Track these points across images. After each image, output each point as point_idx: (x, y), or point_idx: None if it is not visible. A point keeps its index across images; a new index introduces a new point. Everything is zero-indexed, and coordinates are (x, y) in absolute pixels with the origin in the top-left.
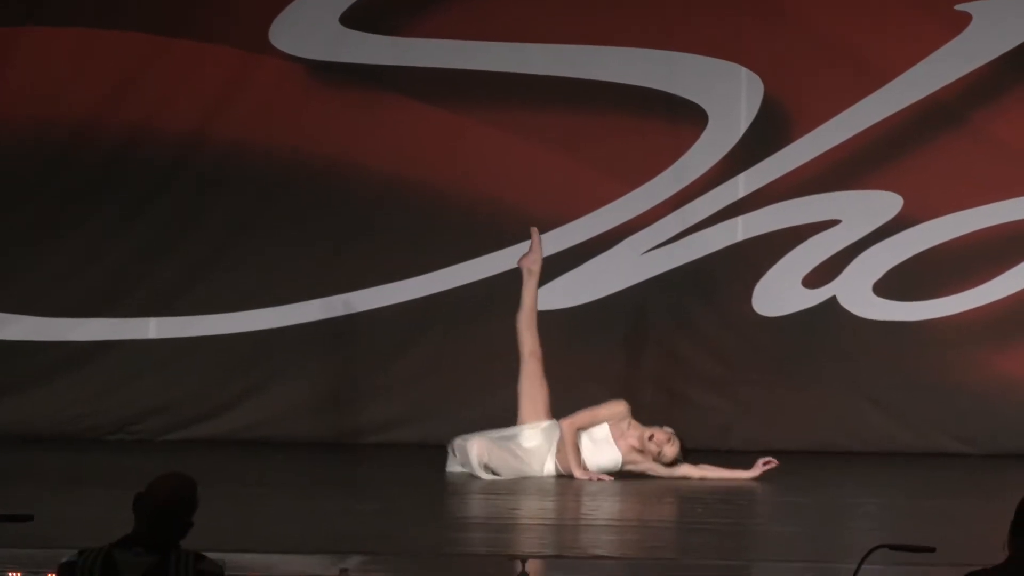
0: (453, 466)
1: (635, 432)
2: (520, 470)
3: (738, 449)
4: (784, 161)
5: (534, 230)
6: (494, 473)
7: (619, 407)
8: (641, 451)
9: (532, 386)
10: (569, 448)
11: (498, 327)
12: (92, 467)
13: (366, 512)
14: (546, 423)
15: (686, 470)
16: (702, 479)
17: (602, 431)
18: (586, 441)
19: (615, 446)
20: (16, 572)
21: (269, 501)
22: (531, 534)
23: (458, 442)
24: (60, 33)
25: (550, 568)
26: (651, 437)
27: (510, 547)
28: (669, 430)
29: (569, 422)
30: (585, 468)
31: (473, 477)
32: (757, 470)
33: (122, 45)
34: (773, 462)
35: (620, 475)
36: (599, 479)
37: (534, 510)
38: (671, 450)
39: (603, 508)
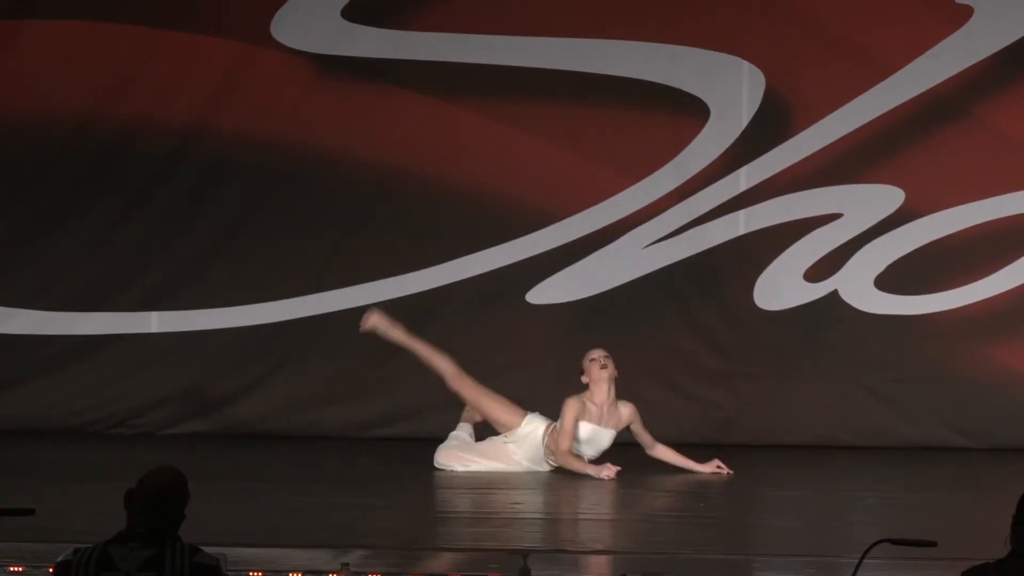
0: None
1: (599, 405)
2: (502, 466)
3: (739, 443)
4: (786, 155)
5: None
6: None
7: (574, 406)
8: (610, 408)
9: (483, 396)
10: (572, 466)
11: (500, 320)
12: (93, 461)
13: (368, 506)
14: (522, 428)
15: (656, 447)
16: (659, 459)
17: (586, 430)
18: (584, 448)
19: (601, 428)
20: (18, 566)
21: (270, 495)
22: (533, 529)
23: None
24: (61, 26)
25: (552, 563)
26: (600, 376)
27: (512, 542)
28: (598, 354)
29: (560, 453)
30: (593, 467)
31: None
32: (710, 467)
33: (123, 38)
34: (723, 469)
35: (624, 468)
36: (607, 474)
37: (536, 505)
38: (610, 371)
39: (604, 502)
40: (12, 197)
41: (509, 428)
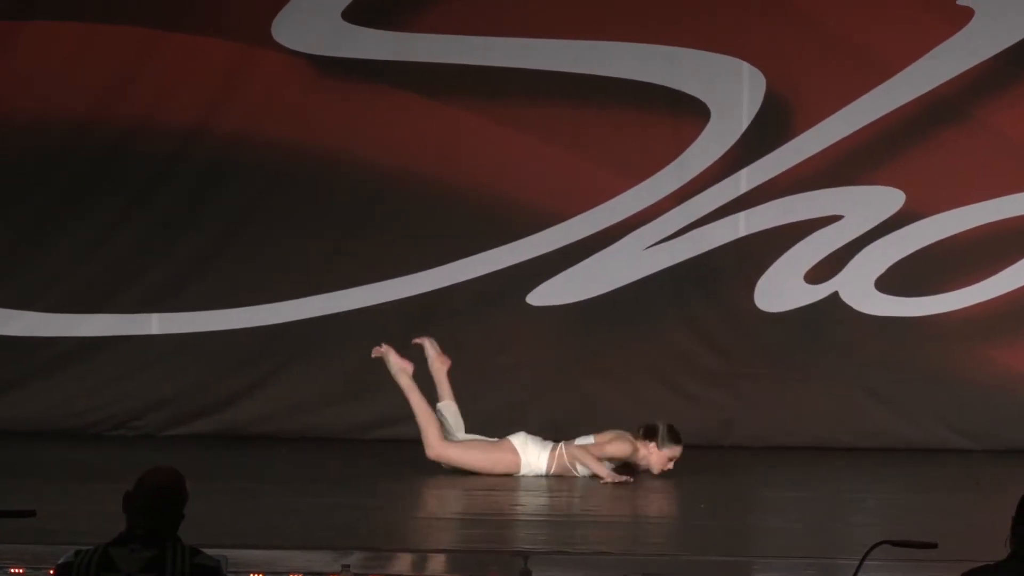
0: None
1: (628, 465)
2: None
3: (739, 445)
4: (786, 156)
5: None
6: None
7: (625, 447)
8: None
9: (468, 452)
10: (592, 466)
11: (501, 321)
12: (94, 462)
13: (369, 508)
14: (523, 468)
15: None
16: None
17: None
18: (580, 469)
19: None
20: (18, 567)
21: (271, 497)
22: (534, 530)
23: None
24: (61, 27)
25: (553, 564)
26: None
27: (513, 543)
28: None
29: (587, 457)
30: (612, 473)
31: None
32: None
33: (123, 39)
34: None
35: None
36: (619, 480)
37: (536, 506)
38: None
39: (605, 504)
40: (12, 197)
41: (508, 469)
